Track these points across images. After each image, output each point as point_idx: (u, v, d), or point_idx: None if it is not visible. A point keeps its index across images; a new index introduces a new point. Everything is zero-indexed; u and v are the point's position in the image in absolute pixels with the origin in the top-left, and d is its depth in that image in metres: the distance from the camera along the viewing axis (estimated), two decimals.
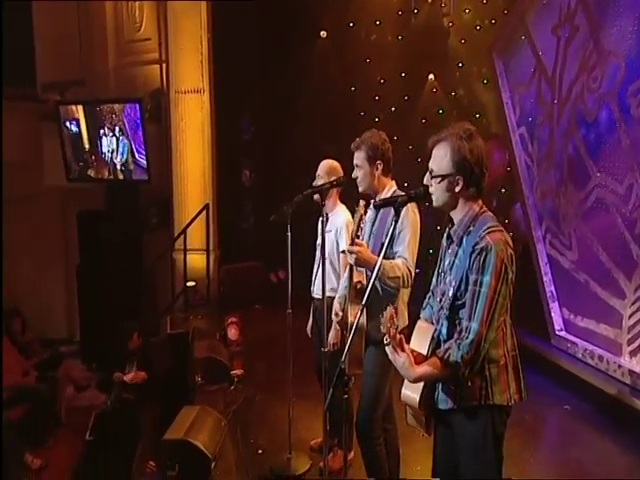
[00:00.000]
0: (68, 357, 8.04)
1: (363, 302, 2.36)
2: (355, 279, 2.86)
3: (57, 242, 9.19)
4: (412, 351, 2.12)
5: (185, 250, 7.13)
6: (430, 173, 2.15)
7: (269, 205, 7.69)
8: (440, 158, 2.12)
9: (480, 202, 2.15)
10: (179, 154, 7.47)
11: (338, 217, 3.50)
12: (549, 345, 5.19)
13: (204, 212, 7.20)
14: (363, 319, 2.73)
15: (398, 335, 2.02)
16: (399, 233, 2.77)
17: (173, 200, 7.60)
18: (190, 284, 7.14)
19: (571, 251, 4.89)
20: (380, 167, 3.00)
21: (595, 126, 4.46)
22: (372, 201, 2.91)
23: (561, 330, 5.12)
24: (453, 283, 2.10)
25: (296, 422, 3.80)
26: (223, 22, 7.08)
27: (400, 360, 2.02)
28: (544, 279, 5.23)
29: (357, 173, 3.00)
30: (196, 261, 7.26)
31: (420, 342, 2.19)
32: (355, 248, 2.66)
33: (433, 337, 2.18)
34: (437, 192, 2.14)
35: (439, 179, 2.12)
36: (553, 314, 5.16)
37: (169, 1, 7.32)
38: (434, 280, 2.31)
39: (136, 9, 8.14)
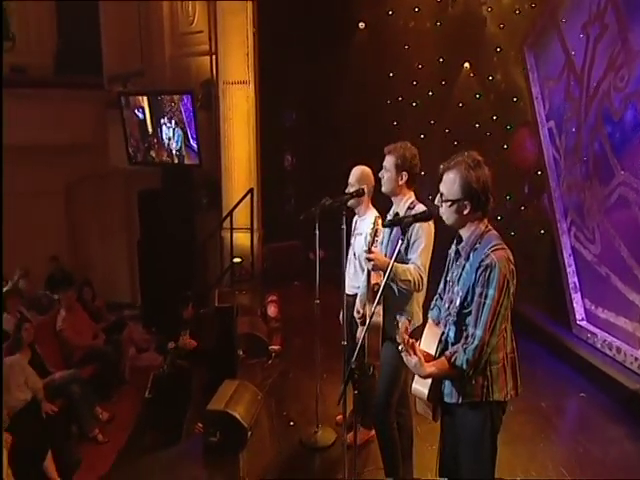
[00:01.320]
0: (131, 320, 8.42)
1: (375, 303, 2.61)
2: (373, 281, 2.92)
3: (120, 218, 9.55)
4: (421, 351, 2.22)
5: (232, 229, 7.21)
6: (441, 196, 2.22)
7: (309, 188, 7.75)
8: (450, 184, 2.19)
9: (485, 221, 2.22)
10: (227, 141, 7.50)
11: (369, 222, 3.39)
12: (570, 334, 5.07)
13: (249, 194, 7.29)
14: (379, 318, 2.84)
15: (411, 340, 2.17)
16: (414, 242, 2.83)
17: (221, 183, 7.68)
18: (236, 260, 7.22)
19: (594, 245, 4.73)
20: (405, 177, 3.01)
21: (620, 125, 4.23)
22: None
23: (582, 320, 4.99)
24: (460, 293, 2.19)
25: (325, 398, 3.90)
26: (267, 18, 7.01)
27: (412, 361, 2.16)
28: (568, 270, 5.08)
29: (384, 174, 3.04)
30: (242, 239, 7.35)
31: (429, 343, 2.31)
32: (371, 255, 2.78)
33: (441, 340, 2.28)
34: (447, 213, 2.22)
35: (449, 203, 2.19)
36: (575, 304, 5.04)
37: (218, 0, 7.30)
38: (441, 285, 2.40)
39: (189, 4, 8.19)
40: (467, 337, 2.15)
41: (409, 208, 2.95)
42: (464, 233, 2.22)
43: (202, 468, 3.75)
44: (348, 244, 3.54)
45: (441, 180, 2.25)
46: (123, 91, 8.28)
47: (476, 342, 2.10)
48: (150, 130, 8.12)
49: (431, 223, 2.83)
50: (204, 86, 7.97)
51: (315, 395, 3.82)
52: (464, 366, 2.11)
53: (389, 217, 3.10)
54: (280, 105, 7.72)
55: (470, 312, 2.15)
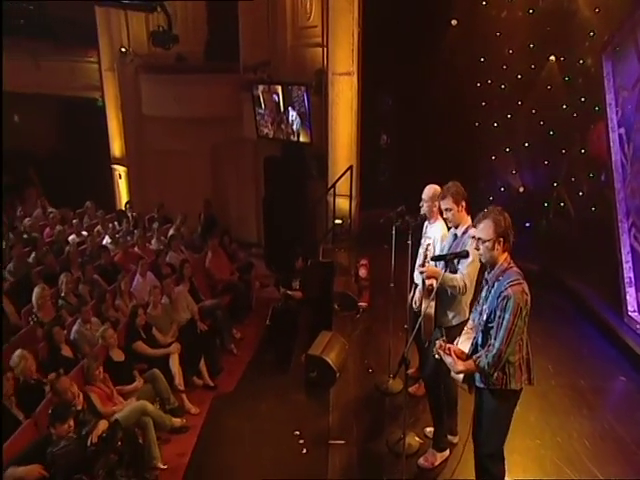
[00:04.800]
0: (256, 258, 9.04)
1: (429, 299, 3.07)
2: (427, 283, 3.20)
3: (250, 178, 10.12)
4: (457, 349, 2.63)
5: (334, 195, 7.49)
6: (479, 240, 2.51)
7: (401, 163, 7.75)
8: (487, 229, 2.50)
9: (509, 259, 2.51)
10: (333, 122, 7.62)
11: (437, 229, 3.58)
12: (621, 322, 4.82)
13: (349, 170, 7.43)
14: (431, 310, 3.18)
15: (447, 346, 2.61)
16: None
17: (328, 156, 7.86)
18: (338, 222, 7.54)
19: None
20: (463, 205, 3.12)
21: None
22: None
23: (634, 312, 4.72)
24: (487, 311, 2.56)
25: (399, 352, 4.11)
26: (370, 18, 6.83)
27: (448, 360, 2.60)
28: (625, 265, 4.78)
29: (447, 214, 3.18)
30: (343, 204, 7.60)
31: (464, 344, 2.70)
32: (424, 269, 3.17)
33: (472, 343, 2.66)
34: (485, 252, 2.52)
35: (487, 243, 2.48)
36: (629, 297, 4.77)
37: None
38: (478, 298, 2.72)
39: (307, 1, 8.11)
40: (489, 346, 2.48)
41: (463, 233, 3.11)
42: (495, 265, 2.52)
43: (303, 395, 4.32)
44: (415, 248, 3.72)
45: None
46: (257, 79, 8.63)
47: (494, 351, 2.44)
48: (282, 110, 8.45)
49: None
50: (317, 75, 8.04)
51: (394, 347, 4.06)
52: (486, 367, 2.48)
53: (450, 235, 3.28)
54: (378, 93, 7.60)
55: (493, 326, 2.48)
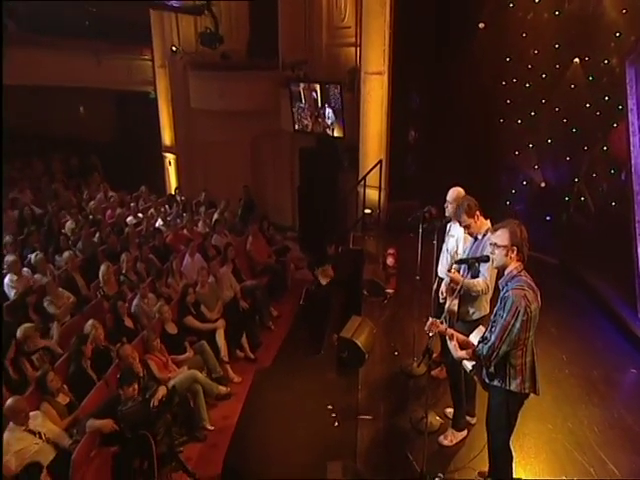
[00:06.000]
0: (291, 241, 9.12)
1: (453, 297, 3.06)
2: (452, 285, 3.19)
3: (287, 166, 10.14)
4: (461, 337, 2.68)
5: (365, 186, 7.40)
6: (494, 245, 2.53)
7: (428, 157, 7.58)
8: (502, 235, 2.52)
9: (520, 268, 2.52)
10: (365, 118, 7.51)
11: (460, 228, 3.48)
12: (635, 317, 4.63)
13: (378, 164, 7.34)
14: (454, 307, 3.20)
15: (450, 331, 2.67)
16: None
17: (359, 150, 7.78)
18: (367, 211, 7.47)
19: None
20: (478, 214, 3.11)
21: None
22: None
23: None
24: (494, 309, 2.60)
25: (423, 337, 3.94)
26: (402, 21, 6.61)
27: (451, 345, 2.67)
28: None
29: (468, 230, 3.20)
30: (372, 195, 7.52)
31: (476, 336, 2.74)
32: (450, 274, 3.16)
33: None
34: (498, 257, 2.55)
35: (501, 249, 2.51)
36: None
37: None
38: None
39: (342, 3, 7.90)
40: (488, 340, 2.54)
41: (483, 236, 3.10)
42: (506, 271, 2.55)
43: (335, 374, 4.38)
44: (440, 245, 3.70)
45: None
46: (294, 76, 8.55)
47: (489, 344, 2.50)
48: (320, 105, 8.39)
49: None
50: (350, 73, 7.90)
51: (419, 333, 3.99)
52: (480, 356, 2.53)
53: (471, 239, 3.25)
54: (407, 91, 7.41)
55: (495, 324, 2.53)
